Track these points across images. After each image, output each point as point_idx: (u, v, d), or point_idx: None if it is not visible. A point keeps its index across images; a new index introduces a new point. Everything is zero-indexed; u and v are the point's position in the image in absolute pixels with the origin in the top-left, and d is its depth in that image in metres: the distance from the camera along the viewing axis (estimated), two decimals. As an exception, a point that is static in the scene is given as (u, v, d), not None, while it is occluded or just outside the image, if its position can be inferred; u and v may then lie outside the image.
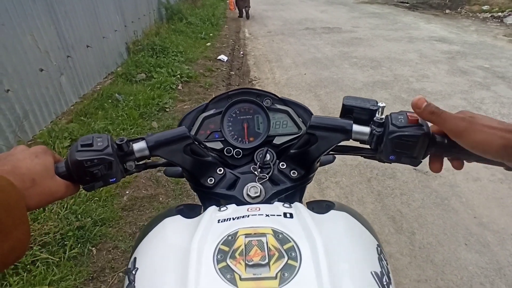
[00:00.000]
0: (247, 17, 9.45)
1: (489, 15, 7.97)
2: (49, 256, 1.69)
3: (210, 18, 8.26)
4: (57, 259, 1.69)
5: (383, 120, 0.54)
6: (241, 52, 5.98)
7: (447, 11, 9.02)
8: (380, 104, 0.54)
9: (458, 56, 5.11)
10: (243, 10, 9.35)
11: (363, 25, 7.80)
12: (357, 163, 2.58)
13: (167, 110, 3.43)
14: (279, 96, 0.71)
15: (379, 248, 0.51)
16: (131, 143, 0.54)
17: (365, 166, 2.54)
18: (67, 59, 3.26)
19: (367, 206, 2.17)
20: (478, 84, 4.01)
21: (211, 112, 0.69)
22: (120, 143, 0.52)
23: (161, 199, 2.21)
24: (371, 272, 0.44)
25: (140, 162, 0.58)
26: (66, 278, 1.62)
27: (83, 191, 0.58)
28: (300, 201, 0.69)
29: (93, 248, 1.83)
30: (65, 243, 1.77)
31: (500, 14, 7.83)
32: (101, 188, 2.11)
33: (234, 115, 0.69)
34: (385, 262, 0.49)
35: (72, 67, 3.34)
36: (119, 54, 4.65)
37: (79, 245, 1.80)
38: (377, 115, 0.55)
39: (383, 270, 0.46)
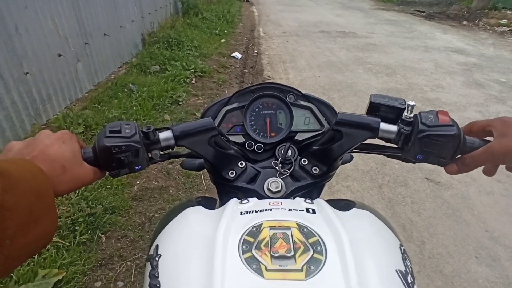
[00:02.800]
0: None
1: (507, 29, 7.87)
2: (60, 240, 1.70)
3: (225, 15, 8.26)
4: (67, 244, 1.70)
5: (412, 119, 0.54)
6: (255, 51, 5.98)
7: (465, 22, 8.92)
8: (409, 103, 0.54)
9: (474, 68, 5.06)
10: None
11: (378, 31, 7.75)
12: (368, 169, 2.56)
13: (180, 103, 3.44)
14: (303, 92, 0.70)
15: (402, 248, 0.51)
16: (157, 132, 0.54)
17: (377, 172, 2.53)
18: (84, 46, 3.28)
19: (377, 212, 2.15)
20: (493, 97, 3.97)
21: (234, 105, 0.69)
22: (147, 131, 0.52)
23: (171, 191, 2.22)
24: (396, 270, 0.44)
25: (164, 152, 0.58)
26: (75, 263, 1.63)
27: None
28: (317, 196, 0.69)
29: (103, 236, 1.84)
30: (76, 228, 1.79)
31: (518, 28, 7.74)
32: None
33: (257, 109, 0.69)
34: (408, 262, 0.49)
35: (89, 55, 3.37)
36: (134, 44, 4.67)
37: (89, 231, 1.81)
38: (406, 113, 0.54)
39: (407, 269, 0.46)
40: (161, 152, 0.56)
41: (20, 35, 2.35)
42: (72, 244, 1.72)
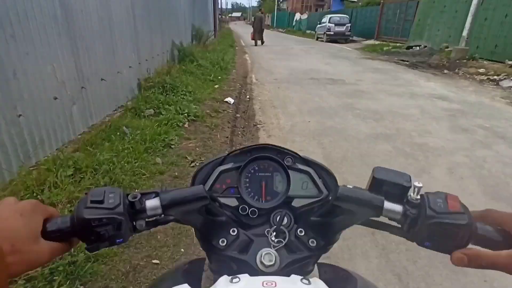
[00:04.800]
0: (262, 43, 16.99)
1: (485, 78, 8.35)
2: (35, 293, 1.58)
3: (220, 62, 8.67)
4: (43, 297, 1.59)
5: (419, 201, 0.51)
6: (247, 96, 6.18)
7: (446, 71, 9.48)
8: (416, 184, 0.52)
9: (459, 114, 5.27)
10: (257, 40, 16.86)
11: (365, 79, 8.15)
12: (361, 214, 2.52)
13: (172, 146, 3.45)
14: (301, 155, 0.68)
15: None
16: (144, 199, 0.51)
17: (369, 218, 2.49)
18: (81, 90, 3.35)
19: (371, 260, 2.08)
20: (479, 142, 4.08)
21: (229, 166, 0.66)
22: (133, 200, 0.49)
23: (159, 237, 2.14)
24: None
25: (151, 219, 0.54)
26: (49, 319, 1.50)
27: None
28: (313, 267, 0.65)
29: (82, 287, 1.72)
30: (54, 278, 1.67)
31: (496, 77, 8.21)
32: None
33: (252, 171, 0.66)
34: None
35: (84, 98, 3.43)
36: (130, 89, 4.80)
37: (68, 281, 1.70)
38: (411, 194, 0.52)
39: None
40: (147, 219, 0.51)
41: (17, 80, 2.41)
42: (48, 297, 1.60)
